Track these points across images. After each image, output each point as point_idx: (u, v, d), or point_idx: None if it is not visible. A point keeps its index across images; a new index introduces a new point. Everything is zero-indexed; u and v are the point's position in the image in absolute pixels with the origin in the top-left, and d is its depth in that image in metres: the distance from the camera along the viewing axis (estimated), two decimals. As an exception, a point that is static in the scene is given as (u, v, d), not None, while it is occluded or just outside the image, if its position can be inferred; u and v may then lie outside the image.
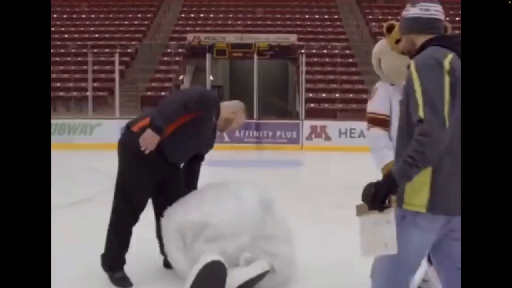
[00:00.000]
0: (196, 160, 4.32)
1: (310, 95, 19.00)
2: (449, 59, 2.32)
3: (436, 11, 2.50)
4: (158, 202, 4.12)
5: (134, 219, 3.98)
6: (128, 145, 3.88)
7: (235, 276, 3.62)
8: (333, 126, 15.61)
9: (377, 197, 2.28)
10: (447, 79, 2.27)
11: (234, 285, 3.60)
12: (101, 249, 4.09)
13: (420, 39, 2.47)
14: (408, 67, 2.38)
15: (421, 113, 2.23)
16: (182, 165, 4.24)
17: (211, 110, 4.03)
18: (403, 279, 2.46)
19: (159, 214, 4.07)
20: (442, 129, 2.21)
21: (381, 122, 3.39)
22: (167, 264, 4.16)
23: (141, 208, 3.98)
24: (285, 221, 4.10)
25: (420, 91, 2.26)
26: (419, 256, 2.45)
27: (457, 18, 23.74)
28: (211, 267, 3.53)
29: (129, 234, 3.98)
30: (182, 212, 3.88)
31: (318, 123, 16.20)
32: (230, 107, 4.24)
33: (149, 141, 3.72)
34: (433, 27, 2.48)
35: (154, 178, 3.96)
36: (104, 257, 4.00)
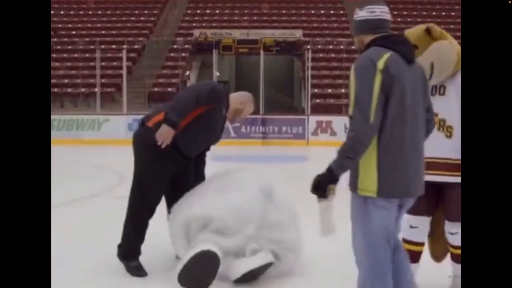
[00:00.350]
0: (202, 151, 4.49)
1: (316, 90, 19.12)
2: (384, 58, 2.54)
3: (381, 12, 2.71)
4: (171, 196, 4.23)
5: (151, 212, 4.11)
6: (144, 140, 3.99)
7: (239, 266, 3.76)
8: (338, 121, 15.69)
9: (319, 186, 2.58)
10: (378, 78, 2.50)
11: (237, 275, 3.74)
12: (110, 241, 4.25)
13: (368, 39, 2.69)
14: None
15: (351, 111, 2.55)
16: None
17: (221, 102, 4.16)
18: (383, 256, 2.66)
19: (170, 207, 4.21)
20: (366, 124, 2.48)
21: None
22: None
23: (157, 201, 4.12)
24: (289, 205, 4.21)
25: (353, 91, 2.54)
26: (387, 232, 2.66)
27: (458, 20, 23.88)
28: (205, 254, 3.66)
29: (145, 226, 4.11)
30: (187, 207, 4.00)
31: (324, 118, 16.33)
32: (238, 98, 4.36)
33: (165, 135, 3.83)
34: (379, 27, 2.70)
35: (171, 172, 4.09)
36: (120, 247, 4.13)
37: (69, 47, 21.91)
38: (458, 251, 3.42)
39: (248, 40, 21.52)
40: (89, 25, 24.37)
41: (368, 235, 2.64)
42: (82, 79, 19.81)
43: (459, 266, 3.41)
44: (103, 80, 18.70)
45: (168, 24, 24.79)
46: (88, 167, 11.50)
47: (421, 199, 2.95)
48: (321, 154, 13.45)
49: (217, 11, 25.92)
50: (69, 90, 19.83)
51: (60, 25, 24.15)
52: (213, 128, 4.20)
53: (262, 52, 18.81)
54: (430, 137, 3.16)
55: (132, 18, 25.09)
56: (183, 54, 21.68)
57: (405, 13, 24.80)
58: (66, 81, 20.14)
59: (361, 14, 2.73)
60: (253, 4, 26.25)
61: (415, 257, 3.51)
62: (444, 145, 3.42)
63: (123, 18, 25.07)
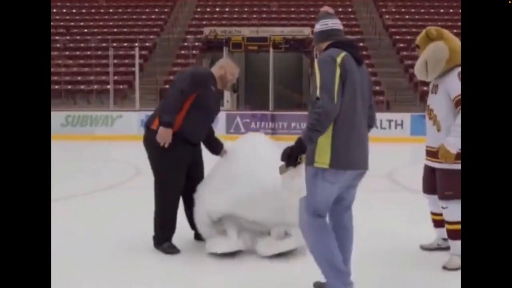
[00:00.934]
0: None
1: (324, 87, 19.33)
2: (341, 56, 3.15)
3: (333, 23, 3.36)
4: (185, 184, 4.56)
5: (175, 203, 4.48)
6: (151, 143, 4.35)
7: (270, 247, 4.25)
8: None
9: (291, 156, 3.06)
10: (338, 71, 3.11)
11: (267, 254, 4.23)
12: (132, 226, 4.62)
13: (325, 45, 3.32)
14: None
15: (318, 93, 3.05)
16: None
17: (206, 84, 4.46)
18: (320, 219, 3.24)
19: (186, 194, 4.57)
20: (332, 104, 3.03)
21: None
22: (197, 237, 4.68)
23: (178, 191, 4.47)
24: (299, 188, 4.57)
25: (319, 79, 3.09)
26: (327, 203, 3.24)
27: (457, 16, 24.03)
28: None
29: (172, 217, 4.47)
30: (209, 201, 4.37)
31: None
32: (217, 65, 4.67)
33: (164, 137, 4.24)
34: (331, 35, 3.33)
35: (184, 161, 4.44)
36: (154, 239, 4.51)
37: (82, 44, 22.29)
38: (449, 226, 3.99)
39: (258, 38, 21.78)
40: (101, 23, 24.72)
41: (311, 205, 3.19)
42: (95, 76, 20.13)
43: (453, 242, 3.95)
44: (115, 77, 19.04)
45: (178, 22, 25.11)
46: (105, 161, 11.89)
47: (425, 180, 4.07)
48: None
49: (226, 9, 26.20)
50: (82, 87, 20.19)
51: (72, 23, 24.56)
52: (209, 109, 4.52)
53: (271, 49, 19.09)
54: (428, 128, 3.79)
55: (143, 16, 25.43)
56: (194, 52, 21.99)
57: (404, 11, 24.94)
58: (79, 78, 20.49)
59: (317, 27, 3.38)
60: (262, 2, 26.51)
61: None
62: (436, 137, 4.01)
63: (134, 16, 25.42)
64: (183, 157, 4.41)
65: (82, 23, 24.68)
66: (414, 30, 23.15)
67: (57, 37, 22.35)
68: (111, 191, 7.78)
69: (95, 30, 23.72)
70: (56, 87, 19.75)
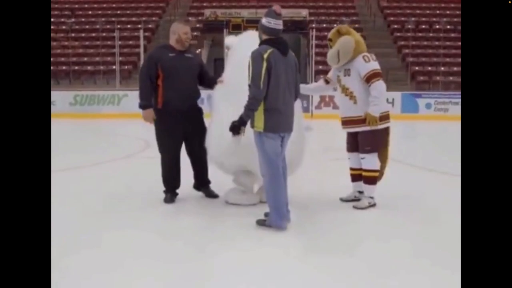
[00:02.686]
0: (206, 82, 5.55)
1: (320, 67, 20.12)
2: (267, 52, 4.24)
3: (275, 24, 4.35)
4: (189, 151, 5.52)
5: (170, 163, 5.38)
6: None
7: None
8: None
9: (235, 127, 4.30)
10: (264, 64, 4.23)
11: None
12: (148, 187, 5.65)
13: (263, 37, 4.38)
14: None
15: (249, 81, 4.26)
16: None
17: (159, 56, 5.20)
18: (276, 166, 4.40)
19: (190, 156, 5.53)
20: (258, 90, 4.24)
21: (381, 75, 5.22)
22: (196, 187, 5.69)
23: (172, 154, 5.33)
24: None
25: (251, 71, 4.25)
26: (276, 152, 4.40)
27: (457, 19, 24.74)
28: None
29: (170, 173, 5.42)
30: (217, 160, 5.25)
31: (327, 93, 17.48)
32: (171, 33, 5.37)
33: (145, 117, 5.25)
34: (269, 32, 4.34)
35: (173, 130, 5.24)
36: (165, 189, 5.53)
37: (87, 26, 23.06)
38: (365, 173, 5.27)
39: (257, 20, 22.40)
40: (104, 5, 25.41)
41: (266, 155, 4.36)
42: (101, 58, 20.95)
43: (365, 186, 5.31)
44: (120, 58, 19.86)
45: (179, 4, 25.80)
46: (116, 136, 12.79)
47: (349, 141, 5.34)
48: (325, 125, 14.77)
49: (226, -9, 26.87)
50: (89, 68, 21.01)
51: (77, 6, 25.29)
52: (176, 72, 5.19)
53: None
54: (344, 103, 5.27)
55: (146, -2, 26.14)
56: (195, 33, 22.73)
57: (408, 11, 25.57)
58: (85, 59, 21.31)
59: (263, 21, 4.36)
60: (261, -16, 27.19)
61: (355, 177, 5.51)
62: (352, 108, 5.20)
63: (137, -2, 26.13)
64: (172, 126, 5.22)
65: (86, 5, 25.38)
66: (408, 11, 23.99)
67: (62, 19, 23.13)
68: (128, 160, 8.73)
69: (99, 12, 24.43)
70: (64, 68, 20.61)
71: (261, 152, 4.39)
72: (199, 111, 5.47)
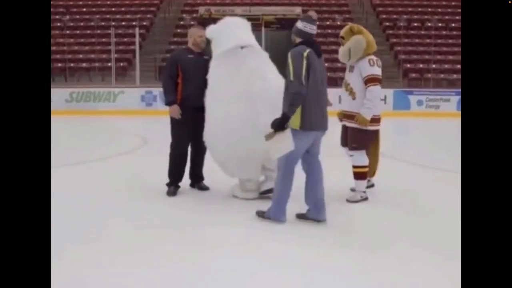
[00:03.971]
0: None
1: (313, 64, 20.29)
2: (306, 52, 4.49)
3: (310, 29, 4.64)
4: (193, 144, 5.93)
5: (176, 158, 5.84)
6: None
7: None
8: (334, 92, 16.73)
9: (280, 124, 4.43)
10: (304, 62, 4.46)
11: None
12: (153, 182, 5.86)
13: (298, 40, 4.64)
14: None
15: (291, 78, 4.42)
16: None
17: (180, 58, 5.73)
18: (293, 164, 4.65)
19: (194, 154, 5.95)
20: (301, 86, 4.42)
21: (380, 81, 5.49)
22: (192, 185, 6.09)
23: (180, 149, 5.82)
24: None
25: (292, 68, 4.43)
26: (300, 152, 4.63)
27: (457, 17, 25.01)
28: None
29: (175, 168, 5.82)
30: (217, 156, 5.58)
31: (321, 89, 17.69)
32: (188, 38, 5.89)
33: (172, 112, 5.71)
34: (304, 36, 4.62)
35: (185, 125, 5.70)
36: (168, 181, 5.87)
37: (81, 24, 23.13)
38: (355, 169, 5.57)
39: (250, 17, 22.60)
40: (99, 2, 25.44)
41: (290, 153, 4.53)
42: (96, 55, 21.05)
43: (356, 182, 5.58)
44: (116, 55, 19.99)
45: (174, 1, 25.90)
46: (113, 132, 12.95)
47: (343, 138, 5.60)
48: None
49: (220, -12, 26.99)
50: (84, 65, 21.11)
51: (71, 3, 25.33)
52: (194, 73, 5.65)
53: (263, 28, 20.05)
54: (344, 97, 5.55)
55: (140, -5, 26.20)
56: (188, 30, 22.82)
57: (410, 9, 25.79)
58: (80, 56, 21.40)
59: (299, 25, 4.65)
60: (255, -18, 27.33)
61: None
62: (350, 103, 5.50)
63: (131, -5, 26.18)
64: (186, 121, 5.69)
65: (80, 3, 25.42)
66: (400, 9, 24.24)
67: (57, 17, 23.21)
68: (126, 156, 8.94)
69: (94, 9, 24.46)
70: (59, 65, 20.71)
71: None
72: None
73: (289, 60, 4.45)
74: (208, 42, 5.64)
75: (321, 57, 4.67)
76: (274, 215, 4.68)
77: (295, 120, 4.47)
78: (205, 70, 5.62)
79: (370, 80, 5.34)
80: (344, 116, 5.62)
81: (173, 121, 5.76)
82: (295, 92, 4.36)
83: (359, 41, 5.39)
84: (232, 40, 5.31)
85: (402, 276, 3.60)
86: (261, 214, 4.80)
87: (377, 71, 5.40)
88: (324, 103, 4.67)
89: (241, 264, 3.79)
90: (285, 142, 4.48)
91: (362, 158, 5.50)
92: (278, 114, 5.12)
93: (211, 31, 5.52)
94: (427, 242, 4.31)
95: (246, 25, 5.57)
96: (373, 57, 5.48)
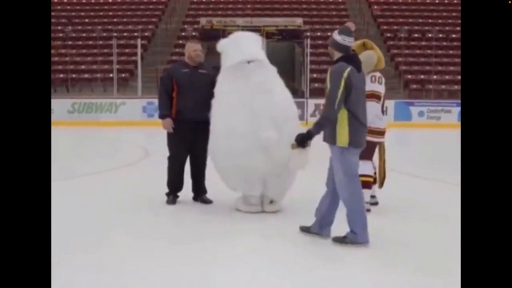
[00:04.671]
0: None
1: (315, 75, 20.42)
2: (347, 71, 4.30)
3: (349, 42, 4.42)
4: (192, 157, 5.97)
5: (174, 169, 5.91)
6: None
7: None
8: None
9: (303, 141, 4.46)
10: (343, 82, 4.30)
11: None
12: (156, 192, 5.90)
13: (336, 54, 4.46)
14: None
15: (327, 99, 4.33)
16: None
17: (175, 72, 5.82)
18: (358, 185, 4.47)
19: (191, 166, 5.98)
20: (332, 110, 4.31)
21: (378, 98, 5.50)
22: (195, 198, 6.08)
23: (178, 161, 5.89)
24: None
25: (329, 88, 4.33)
26: (356, 167, 4.53)
27: (442, 7, 25.10)
28: None
29: (173, 179, 5.91)
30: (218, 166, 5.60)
31: (322, 101, 17.45)
32: (185, 51, 5.99)
33: (164, 126, 5.78)
34: (343, 50, 4.42)
35: (182, 139, 5.77)
36: (167, 191, 5.95)
37: (84, 34, 23.24)
38: (361, 178, 5.39)
39: (252, 28, 22.75)
40: (101, 13, 25.58)
41: (350, 170, 4.40)
42: (98, 66, 21.12)
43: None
44: (118, 66, 20.06)
45: (175, 12, 26.02)
46: (115, 144, 12.97)
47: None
48: (320, 134, 14.90)
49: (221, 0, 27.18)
50: (86, 75, 21.18)
51: (74, 13, 25.46)
52: (190, 87, 5.74)
53: (264, 39, 20.11)
54: None
55: (141, 6, 26.28)
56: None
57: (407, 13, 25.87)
58: (82, 67, 21.48)
59: (337, 37, 4.43)
60: (256, -7, 27.49)
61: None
62: None
63: (133, 6, 26.27)
64: (182, 134, 5.77)
65: (83, 13, 25.57)
66: (400, 20, 24.34)
67: (59, 27, 23.31)
68: (129, 168, 8.94)
69: (96, 20, 24.59)
70: (61, 75, 20.79)
71: (344, 169, 4.39)
72: (208, 123, 5.70)
73: (329, 78, 4.34)
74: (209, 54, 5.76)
75: (361, 71, 4.52)
76: (362, 239, 4.44)
77: (342, 138, 4.35)
78: (202, 84, 5.71)
79: (368, 96, 5.32)
80: None
81: (169, 134, 5.84)
82: (325, 116, 4.36)
83: (371, 56, 5.42)
84: (239, 54, 5.35)
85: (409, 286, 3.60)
86: (341, 240, 4.50)
87: (377, 87, 5.43)
88: (365, 119, 4.54)
89: (244, 275, 3.79)
90: (302, 159, 4.52)
91: (367, 167, 5.49)
92: (280, 128, 5.17)
93: (221, 45, 5.59)
94: (429, 252, 4.33)
95: (255, 40, 5.60)
96: (377, 74, 5.50)
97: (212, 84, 5.68)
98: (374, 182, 5.78)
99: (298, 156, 4.53)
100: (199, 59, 5.87)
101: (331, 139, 4.41)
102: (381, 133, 5.59)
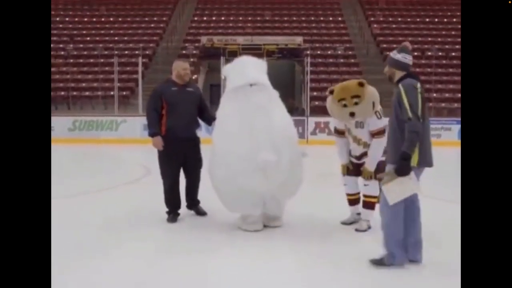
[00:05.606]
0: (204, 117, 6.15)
1: (315, 93, 20.44)
2: (418, 85, 4.23)
3: (410, 60, 4.37)
4: (185, 173, 6.09)
5: (170, 187, 5.95)
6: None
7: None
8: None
9: (404, 168, 4.13)
10: (419, 96, 4.16)
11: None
12: (156, 210, 5.90)
13: (398, 74, 4.33)
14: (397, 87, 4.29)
15: (409, 115, 4.07)
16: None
17: (163, 91, 5.84)
18: (400, 208, 4.31)
19: (187, 182, 6.10)
20: (418, 123, 4.08)
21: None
22: (189, 207, 6.22)
23: (172, 179, 5.91)
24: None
25: (407, 103, 4.09)
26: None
27: (441, 25, 25.27)
28: None
29: (170, 196, 5.96)
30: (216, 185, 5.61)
31: (322, 119, 17.80)
32: (172, 70, 5.95)
33: (154, 144, 5.79)
34: (405, 68, 4.33)
35: (173, 156, 5.83)
36: (167, 210, 6.00)
37: (85, 52, 23.38)
38: (366, 199, 5.57)
39: (252, 47, 22.86)
40: (102, 31, 25.77)
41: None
42: (99, 83, 21.23)
43: (365, 211, 5.60)
44: (119, 84, 20.15)
45: (176, 30, 26.21)
46: (116, 162, 12.98)
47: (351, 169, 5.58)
48: (320, 152, 15.04)
49: (222, 18, 27.29)
50: (87, 93, 21.26)
51: (75, 32, 25.64)
52: (178, 104, 5.80)
53: (265, 57, 20.22)
54: (357, 148, 5.57)
55: (143, 25, 26.50)
56: (192, 60, 23.08)
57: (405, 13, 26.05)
58: (83, 85, 21.57)
59: (398, 56, 4.36)
60: (256, 12, 27.68)
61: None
62: (362, 151, 5.59)
63: (134, 25, 26.51)
64: (173, 152, 5.82)
65: (84, 32, 25.74)
66: (400, 39, 24.44)
67: (60, 45, 23.47)
68: (130, 186, 8.94)
69: (97, 38, 24.78)
70: (62, 93, 20.87)
71: None
72: (197, 139, 6.03)
73: (403, 95, 4.11)
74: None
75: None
76: (400, 261, 4.37)
77: (413, 158, 4.16)
78: (190, 101, 5.87)
79: (379, 133, 5.38)
80: (358, 158, 5.64)
81: (160, 152, 5.88)
82: (415, 130, 4.06)
83: (375, 92, 5.36)
84: (242, 78, 5.40)
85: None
86: (379, 262, 4.40)
87: (384, 122, 5.32)
88: (430, 137, 4.41)
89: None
90: (409, 184, 4.18)
91: (376, 188, 5.45)
92: (279, 150, 5.17)
93: (225, 69, 5.71)
94: (430, 268, 4.34)
95: (259, 65, 5.65)
96: (379, 108, 5.45)
97: (200, 101, 5.96)
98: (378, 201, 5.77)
99: (400, 184, 4.16)
100: (187, 78, 5.98)
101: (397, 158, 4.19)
102: None
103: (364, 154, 5.56)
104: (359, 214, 5.77)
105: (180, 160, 5.89)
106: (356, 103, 5.23)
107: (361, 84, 5.29)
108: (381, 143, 5.34)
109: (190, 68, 6.06)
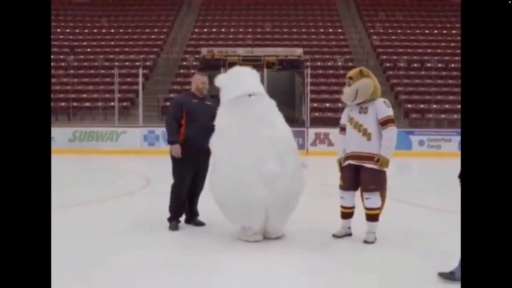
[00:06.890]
0: None
1: (315, 104, 20.53)
2: None
3: None
4: (192, 183, 6.10)
5: (178, 194, 6.03)
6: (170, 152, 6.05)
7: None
8: (335, 133, 17.12)
9: None
10: None
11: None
12: (158, 221, 5.89)
13: None
14: None
15: None
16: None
17: (185, 102, 6.02)
18: None
19: (192, 191, 6.11)
20: None
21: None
22: (187, 221, 6.25)
23: (182, 187, 6.02)
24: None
25: None
26: None
27: (441, 37, 25.36)
28: None
29: (177, 204, 6.04)
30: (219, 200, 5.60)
31: (322, 130, 17.86)
32: (192, 83, 6.19)
33: (173, 151, 5.93)
34: None
35: (187, 165, 5.94)
36: (168, 218, 6.04)
37: (85, 63, 23.45)
38: (369, 212, 5.49)
39: (252, 58, 22.93)
40: (103, 43, 25.88)
41: None
42: (99, 94, 21.28)
43: (370, 223, 5.52)
44: (119, 95, 20.21)
45: (177, 42, 26.31)
46: (117, 172, 12.98)
47: (348, 179, 5.41)
48: (320, 163, 15.06)
49: (222, 30, 27.37)
50: (87, 104, 21.31)
51: (76, 43, 25.73)
52: (198, 116, 5.94)
53: (265, 68, 20.28)
54: (356, 139, 5.41)
55: (143, 36, 26.61)
56: (192, 71, 23.10)
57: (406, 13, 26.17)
58: (84, 96, 21.62)
59: None
60: (257, 24, 27.78)
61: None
62: (365, 145, 5.42)
63: (135, 36, 26.61)
64: (188, 159, 5.93)
65: (85, 43, 25.84)
66: (400, 50, 24.58)
67: (61, 56, 23.55)
68: (131, 197, 8.92)
69: (98, 49, 24.87)
70: (63, 104, 20.91)
71: None
72: (209, 151, 6.13)
73: None
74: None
75: None
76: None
77: None
78: (207, 114, 5.93)
79: (389, 121, 5.38)
80: (358, 157, 5.47)
81: (175, 160, 5.98)
82: None
83: (367, 84, 5.43)
84: (240, 88, 5.42)
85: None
86: (449, 276, 4.26)
87: (392, 112, 5.46)
88: None
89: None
90: None
91: (377, 200, 5.46)
92: (282, 160, 5.18)
93: (219, 80, 5.68)
94: (432, 280, 4.32)
95: (254, 74, 5.70)
96: (385, 99, 5.51)
97: (215, 116, 5.83)
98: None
99: None
100: (205, 92, 6.17)
101: None
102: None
103: (367, 157, 5.39)
104: (349, 228, 5.74)
105: (193, 169, 6.03)
106: (349, 84, 5.55)
107: (360, 71, 5.57)
108: (393, 131, 5.36)
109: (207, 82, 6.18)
